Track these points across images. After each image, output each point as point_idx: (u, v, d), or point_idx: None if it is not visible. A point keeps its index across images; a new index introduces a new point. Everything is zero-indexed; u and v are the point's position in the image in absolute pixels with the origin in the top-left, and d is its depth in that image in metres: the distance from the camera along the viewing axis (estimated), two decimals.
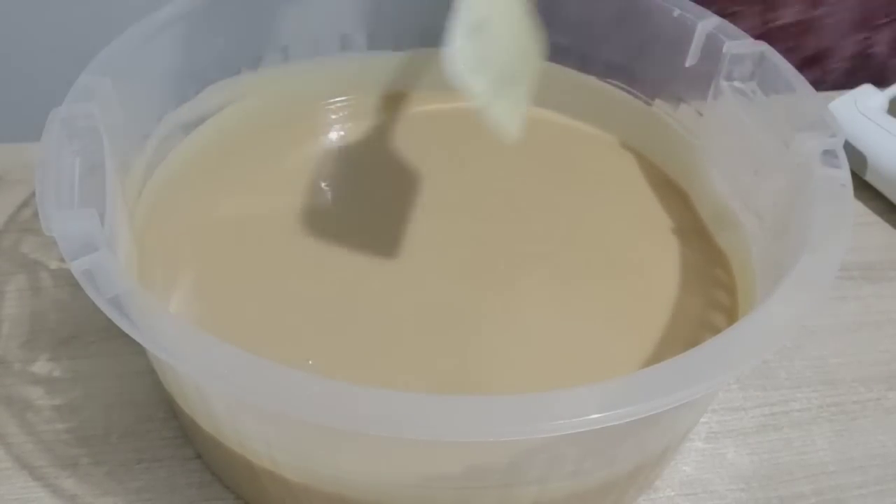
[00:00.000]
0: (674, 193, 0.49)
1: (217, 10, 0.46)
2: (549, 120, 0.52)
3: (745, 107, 0.43)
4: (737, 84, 0.44)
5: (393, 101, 0.52)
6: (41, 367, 0.45)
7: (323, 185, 0.49)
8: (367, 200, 0.47)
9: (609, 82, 0.50)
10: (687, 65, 0.47)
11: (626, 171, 0.50)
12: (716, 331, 0.39)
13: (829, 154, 0.39)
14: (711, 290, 0.43)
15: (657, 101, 0.50)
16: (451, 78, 0.32)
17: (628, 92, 0.50)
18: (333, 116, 0.52)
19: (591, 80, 0.52)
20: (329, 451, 0.33)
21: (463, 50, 0.32)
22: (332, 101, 0.52)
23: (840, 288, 0.51)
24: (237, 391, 0.29)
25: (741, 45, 0.45)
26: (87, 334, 0.46)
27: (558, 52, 0.51)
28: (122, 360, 0.45)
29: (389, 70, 0.52)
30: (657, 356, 0.40)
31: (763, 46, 0.45)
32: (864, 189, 0.59)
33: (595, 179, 0.49)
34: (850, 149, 0.56)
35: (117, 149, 0.39)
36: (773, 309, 0.32)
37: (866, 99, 0.60)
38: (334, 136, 0.51)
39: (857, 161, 0.58)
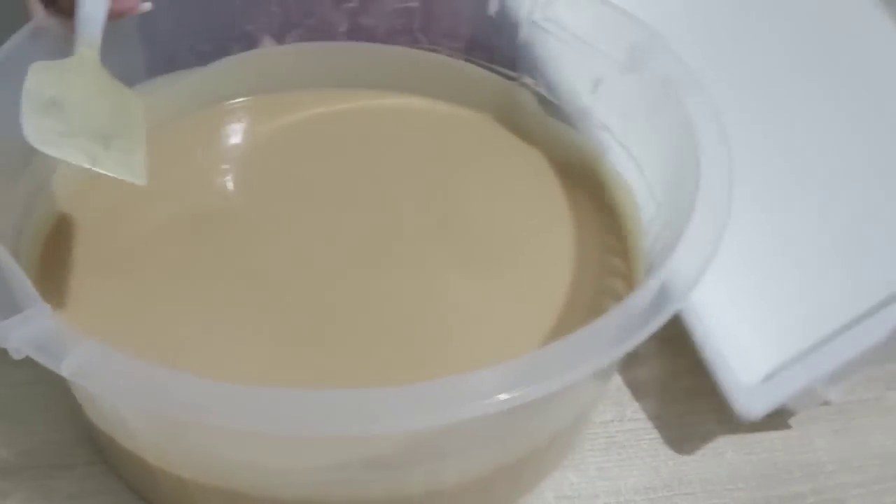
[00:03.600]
0: (563, 170, 0.47)
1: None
2: (431, 109, 0.50)
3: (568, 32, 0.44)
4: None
5: (295, 101, 0.50)
6: None
7: (225, 186, 0.47)
8: (271, 199, 0.46)
9: (472, 61, 0.49)
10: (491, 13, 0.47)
11: (506, 148, 0.48)
12: (616, 295, 0.41)
13: (663, 51, 0.40)
14: (607, 257, 0.43)
15: (518, 73, 0.48)
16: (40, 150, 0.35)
17: (489, 69, 0.49)
18: (235, 116, 0.50)
19: (461, 64, 0.50)
20: (210, 445, 0.33)
21: (38, 128, 0.36)
22: (233, 101, 0.50)
23: None
24: (111, 392, 0.29)
25: None
26: None
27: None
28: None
29: (290, 69, 0.50)
30: (562, 325, 0.40)
31: None
32: None
33: (483, 161, 0.48)
34: None
35: None
36: (665, 276, 0.32)
37: None
38: (236, 137, 0.49)
39: None
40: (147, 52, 0.46)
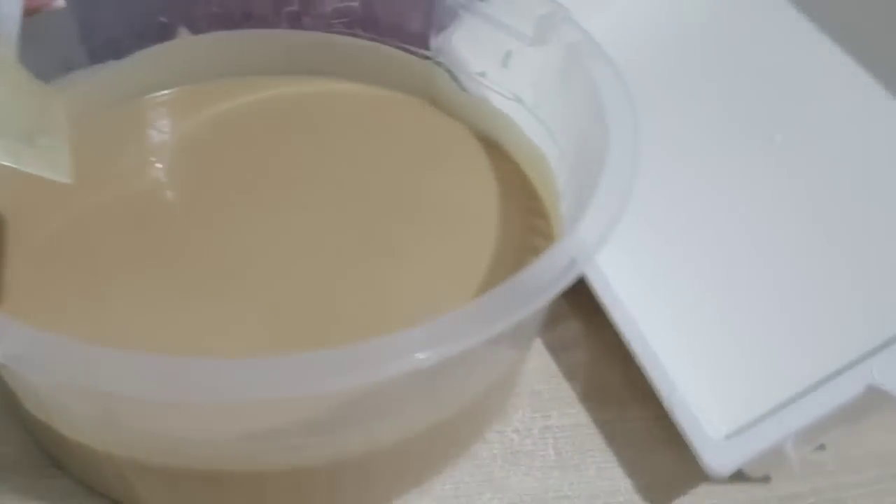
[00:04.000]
0: (485, 142, 0.48)
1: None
2: (357, 92, 0.51)
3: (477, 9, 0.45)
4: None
5: (218, 90, 0.50)
6: None
7: (153, 176, 0.47)
8: (200, 186, 0.46)
9: (388, 43, 0.50)
10: None
11: (432, 125, 0.49)
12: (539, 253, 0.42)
13: (567, 21, 0.42)
14: (529, 219, 0.45)
15: (432, 53, 0.49)
16: None
17: (406, 50, 0.50)
18: (158, 109, 0.50)
19: (380, 47, 0.50)
20: (147, 421, 0.34)
21: None
22: (155, 94, 0.50)
23: None
24: (49, 374, 0.30)
25: None
26: None
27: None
28: None
29: (210, 59, 0.50)
30: (490, 281, 0.41)
31: None
32: None
33: (410, 140, 0.49)
34: None
35: None
36: (575, 238, 0.33)
37: None
38: (161, 128, 0.49)
39: None
40: (62, 47, 0.46)
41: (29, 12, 0.39)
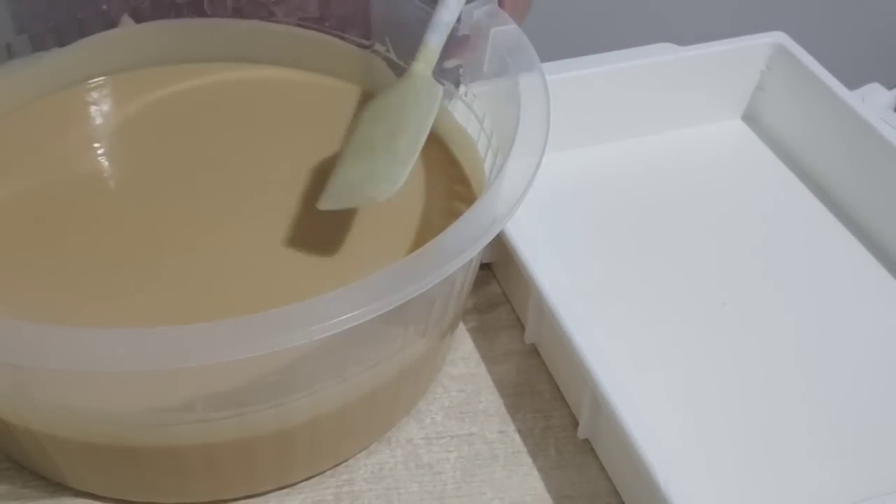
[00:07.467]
0: None
1: None
2: (294, 80, 0.52)
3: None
4: None
5: (158, 77, 0.50)
6: None
7: (91, 161, 0.47)
8: (140, 169, 0.47)
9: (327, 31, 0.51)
10: None
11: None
12: None
13: (491, 15, 0.44)
14: (454, 204, 0.46)
15: (370, 42, 0.50)
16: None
17: (343, 38, 0.51)
18: (99, 95, 0.50)
19: (320, 36, 0.51)
20: (56, 394, 0.34)
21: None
22: (96, 80, 0.50)
23: None
24: None
25: None
26: None
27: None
28: None
29: (151, 47, 0.50)
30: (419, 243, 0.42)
31: None
32: None
33: (345, 126, 0.49)
34: None
35: None
36: (488, 202, 0.36)
37: (874, 96, 0.61)
38: (101, 115, 0.50)
39: None
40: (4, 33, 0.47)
41: None
